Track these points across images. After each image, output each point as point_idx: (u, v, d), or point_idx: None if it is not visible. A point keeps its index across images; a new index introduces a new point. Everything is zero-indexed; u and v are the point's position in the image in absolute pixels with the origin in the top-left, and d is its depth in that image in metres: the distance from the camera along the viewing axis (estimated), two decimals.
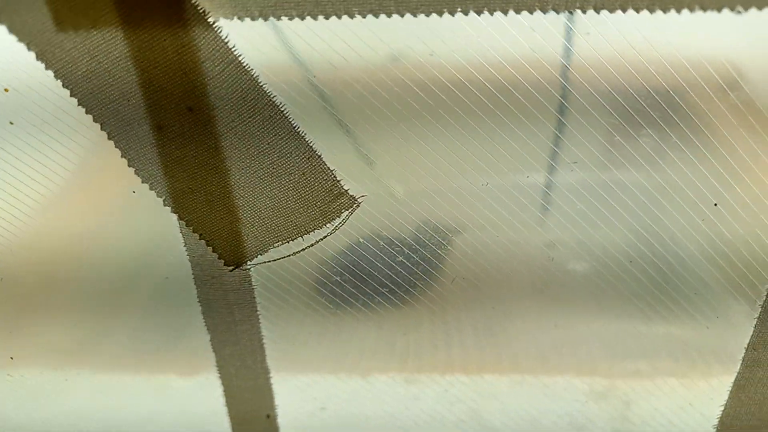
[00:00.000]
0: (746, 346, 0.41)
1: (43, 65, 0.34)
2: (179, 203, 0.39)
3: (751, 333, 0.41)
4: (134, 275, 0.45)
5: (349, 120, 0.39)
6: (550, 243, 0.60)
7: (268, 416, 0.48)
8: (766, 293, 0.39)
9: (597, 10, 0.33)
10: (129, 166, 0.38)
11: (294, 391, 0.48)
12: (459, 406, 0.53)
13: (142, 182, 0.38)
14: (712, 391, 0.45)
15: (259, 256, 0.41)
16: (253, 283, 0.42)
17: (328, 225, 0.39)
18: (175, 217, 0.39)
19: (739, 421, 0.44)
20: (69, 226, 0.44)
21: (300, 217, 0.39)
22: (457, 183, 0.44)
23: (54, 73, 0.34)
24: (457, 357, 0.54)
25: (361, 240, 0.44)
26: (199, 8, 0.32)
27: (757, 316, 0.40)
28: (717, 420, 0.45)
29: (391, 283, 0.47)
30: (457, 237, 0.53)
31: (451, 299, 0.60)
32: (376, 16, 0.32)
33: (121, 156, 0.37)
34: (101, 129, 0.37)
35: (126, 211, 0.43)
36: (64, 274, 0.45)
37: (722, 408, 0.44)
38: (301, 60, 0.37)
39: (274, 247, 0.40)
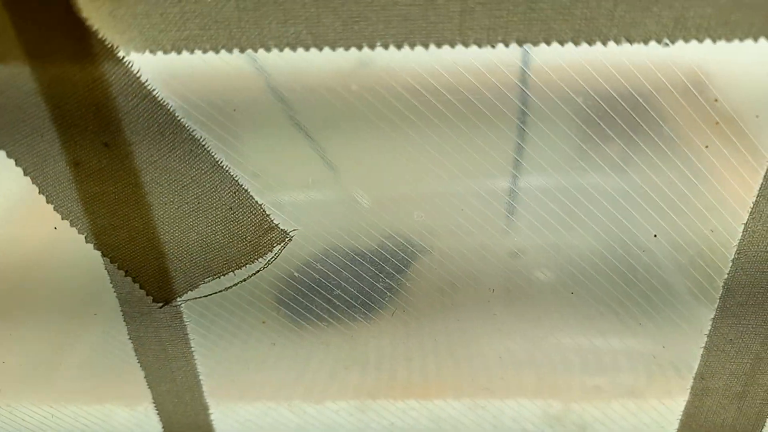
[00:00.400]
0: (694, 375, 0.40)
1: None
2: (102, 240, 0.37)
3: (698, 362, 0.40)
4: (70, 310, 0.43)
5: (314, 127, 0.38)
6: (514, 252, 0.58)
7: None
8: (711, 322, 0.38)
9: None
10: (48, 202, 0.36)
11: (236, 424, 0.46)
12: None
13: (62, 219, 0.36)
14: (668, 413, 0.43)
15: (189, 292, 0.39)
16: (185, 320, 0.40)
17: (260, 259, 0.38)
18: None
19: None
20: None
21: (230, 252, 0.37)
22: (424, 190, 0.43)
23: None
24: (414, 380, 0.53)
25: (316, 254, 0.42)
26: (106, 43, 0.31)
27: (703, 345, 0.39)
28: None
29: (342, 300, 0.45)
30: (421, 250, 0.51)
31: (411, 315, 0.58)
32: (293, 49, 0.30)
33: (39, 192, 0.35)
34: (16, 165, 0.35)
35: (52, 247, 0.41)
36: None
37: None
38: (261, 67, 0.35)
39: (204, 283, 0.39)
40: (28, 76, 0.32)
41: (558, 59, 0.38)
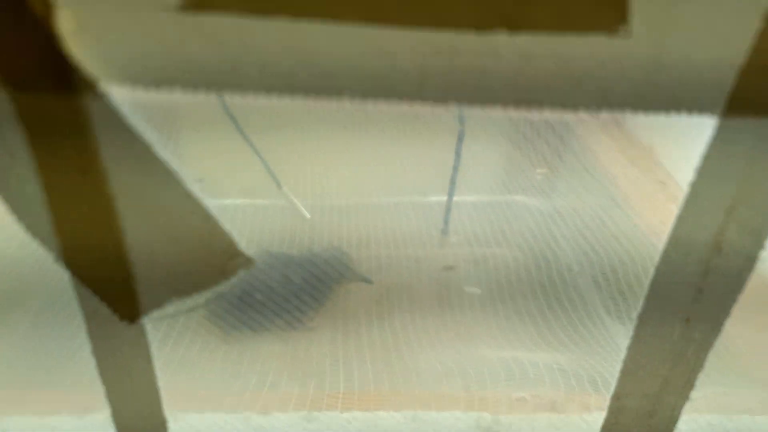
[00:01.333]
0: (611, 395, 0.45)
1: None
2: (72, 260, 0.38)
3: (615, 383, 0.44)
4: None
5: (256, 132, 0.40)
6: (449, 266, 0.62)
7: None
8: (626, 350, 0.42)
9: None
10: (19, 222, 0.36)
11: None
12: None
13: (33, 238, 0.37)
14: (589, 428, 0.48)
15: (154, 310, 0.40)
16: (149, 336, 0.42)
17: (223, 282, 0.40)
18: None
19: None
20: None
21: (197, 276, 0.39)
22: (360, 200, 0.45)
23: None
24: (356, 390, 0.55)
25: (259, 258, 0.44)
26: (87, 76, 0.32)
27: (620, 368, 0.44)
28: None
29: (289, 303, 0.47)
30: (357, 255, 0.54)
31: (351, 320, 0.61)
32: (269, 97, 0.33)
33: (10, 213, 0.36)
34: None
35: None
36: None
37: None
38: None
39: (170, 303, 0.40)
40: (5, 100, 0.33)
41: None
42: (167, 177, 0.36)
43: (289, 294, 0.49)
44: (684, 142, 0.46)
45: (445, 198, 0.70)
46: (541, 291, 0.67)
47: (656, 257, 0.46)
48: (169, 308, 0.41)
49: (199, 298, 0.40)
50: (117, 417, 0.45)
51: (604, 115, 0.52)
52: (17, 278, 0.48)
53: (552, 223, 0.76)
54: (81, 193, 0.36)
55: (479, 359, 0.60)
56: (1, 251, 0.44)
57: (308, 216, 0.43)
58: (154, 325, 0.42)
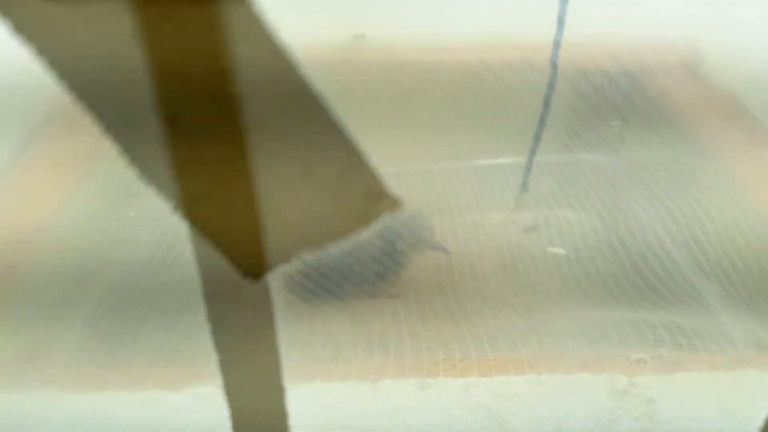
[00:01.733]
0: None
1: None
2: (191, 210, 0.32)
3: None
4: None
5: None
6: (529, 227, 0.56)
7: None
8: None
9: None
10: (130, 165, 0.31)
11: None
12: (478, 410, 0.49)
13: (148, 185, 0.31)
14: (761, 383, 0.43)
15: (281, 265, 0.35)
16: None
17: (364, 230, 0.34)
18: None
19: None
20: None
21: (334, 223, 0.34)
22: (428, 166, 0.40)
23: (34, 46, 0.27)
24: (469, 357, 0.50)
25: None
26: None
27: None
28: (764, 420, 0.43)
29: (368, 271, 0.42)
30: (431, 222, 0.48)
31: (434, 287, 0.55)
32: None
33: (122, 154, 0.31)
34: (94, 120, 0.30)
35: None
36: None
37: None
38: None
39: (300, 256, 0.35)
40: (124, 12, 0.27)
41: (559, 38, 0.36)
42: (309, 102, 0.30)
43: (368, 261, 0.43)
44: None
45: (520, 158, 0.64)
46: (624, 252, 0.60)
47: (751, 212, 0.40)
48: (297, 263, 0.36)
49: (330, 252, 0.34)
50: (231, 388, 0.40)
51: (677, 61, 0.45)
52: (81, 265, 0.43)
53: (628, 181, 0.69)
54: (208, 127, 0.30)
55: (588, 322, 0.54)
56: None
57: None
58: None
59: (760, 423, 0.43)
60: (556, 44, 0.36)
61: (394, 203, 0.34)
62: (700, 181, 0.61)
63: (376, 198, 0.33)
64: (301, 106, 0.30)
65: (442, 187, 0.68)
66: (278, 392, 0.40)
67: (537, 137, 0.54)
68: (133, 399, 0.44)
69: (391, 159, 0.39)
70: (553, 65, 0.42)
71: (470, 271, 0.62)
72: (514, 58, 0.35)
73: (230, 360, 0.38)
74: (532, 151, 0.53)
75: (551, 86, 0.43)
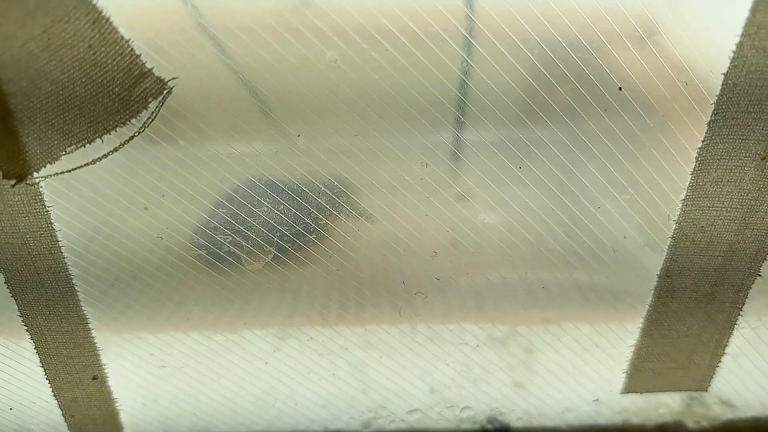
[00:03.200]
0: (658, 273, 0.34)
1: None
2: None
3: (663, 258, 0.33)
4: None
5: (250, 69, 0.30)
6: (460, 195, 0.50)
7: (94, 378, 0.38)
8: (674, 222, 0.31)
9: None
10: None
11: (125, 348, 0.38)
12: (335, 358, 0.44)
13: None
14: (621, 331, 0.37)
15: (47, 165, 0.30)
16: (49, 207, 0.32)
17: (132, 120, 0.30)
18: None
19: (651, 363, 0.37)
20: None
21: (94, 111, 0.29)
22: (362, 141, 0.35)
23: None
24: (336, 310, 0.45)
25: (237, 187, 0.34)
26: None
27: (670, 236, 0.32)
28: (627, 363, 0.37)
29: (280, 235, 0.37)
30: (359, 194, 0.43)
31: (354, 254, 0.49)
32: None
33: None
34: None
35: None
36: None
37: (632, 349, 0.37)
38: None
39: (66, 153, 0.30)
40: None
41: (504, 5, 0.31)
42: None
43: (280, 225, 0.38)
44: None
45: (453, 134, 0.56)
46: (564, 222, 0.53)
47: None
48: (66, 162, 0.31)
49: (105, 149, 0.30)
50: (26, 314, 0.35)
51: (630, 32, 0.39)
52: None
53: (575, 151, 0.61)
54: None
55: (495, 283, 0.48)
56: None
57: (300, 144, 0.34)
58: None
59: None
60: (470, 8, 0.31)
61: (160, 84, 0.29)
62: (647, 150, 0.54)
63: (136, 78, 0.29)
64: None
65: (373, 163, 0.61)
66: (81, 323, 0.36)
67: (459, 111, 0.48)
68: None
69: (322, 135, 0.35)
70: (470, 31, 0.37)
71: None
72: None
73: (17, 280, 0.34)
74: (459, 127, 0.47)
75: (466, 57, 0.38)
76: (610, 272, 0.39)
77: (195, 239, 0.36)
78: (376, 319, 0.44)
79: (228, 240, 0.36)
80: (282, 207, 0.36)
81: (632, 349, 0.36)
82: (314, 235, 0.39)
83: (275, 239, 0.37)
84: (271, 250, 0.36)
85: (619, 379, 0.38)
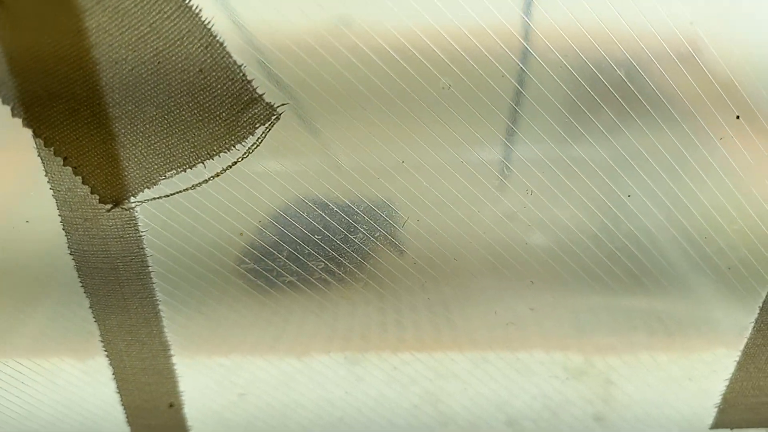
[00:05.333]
0: (760, 306, 0.32)
1: None
2: (33, 113, 0.27)
3: (766, 294, 0.32)
4: None
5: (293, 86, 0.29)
6: (511, 213, 0.49)
7: (171, 405, 0.37)
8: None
9: None
10: None
11: (204, 374, 0.37)
12: (412, 387, 0.42)
13: None
14: (716, 363, 0.35)
15: (146, 190, 0.29)
16: (143, 232, 0.31)
17: (237, 146, 0.29)
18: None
19: (745, 398, 0.35)
20: None
21: (198, 135, 0.28)
22: (408, 159, 0.34)
23: None
24: (409, 336, 0.44)
25: (301, 204, 0.33)
26: None
27: None
28: (720, 396, 0.36)
29: (329, 255, 0.36)
30: (410, 215, 0.42)
31: (404, 277, 0.48)
32: None
33: None
34: None
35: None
36: None
37: (726, 382, 0.35)
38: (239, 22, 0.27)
39: (165, 178, 0.29)
40: None
41: (554, 21, 0.31)
42: None
43: (324, 245, 0.37)
44: None
45: (500, 152, 0.55)
46: (611, 240, 0.51)
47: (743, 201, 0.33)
48: (163, 187, 0.30)
49: (202, 176, 0.29)
50: (106, 339, 0.34)
51: (681, 47, 0.38)
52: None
53: (622, 170, 0.59)
54: (40, 10, 0.25)
55: (558, 310, 0.47)
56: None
57: (346, 167, 0.33)
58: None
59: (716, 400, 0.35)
60: (526, 28, 0.30)
61: (269, 111, 0.28)
62: (693, 169, 0.52)
63: (245, 104, 0.28)
64: None
65: (418, 180, 0.60)
66: (162, 349, 0.35)
67: (510, 129, 0.47)
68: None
69: (370, 151, 0.34)
70: (521, 49, 0.37)
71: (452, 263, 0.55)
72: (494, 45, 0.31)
73: (101, 305, 0.33)
74: (506, 146, 0.46)
75: (522, 74, 0.38)
76: (710, 303, 0.37)
77: (287, 266, 0.35)
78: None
79: (321, 267, 0.34)
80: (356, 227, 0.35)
81: (726, 383, 0.35)
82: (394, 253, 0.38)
83: (359, 260, 0.35)
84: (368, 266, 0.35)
85: (710, 414, 0.37)
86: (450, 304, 0.48)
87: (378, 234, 0.37)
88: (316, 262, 0.34)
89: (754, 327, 0.32)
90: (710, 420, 0.37)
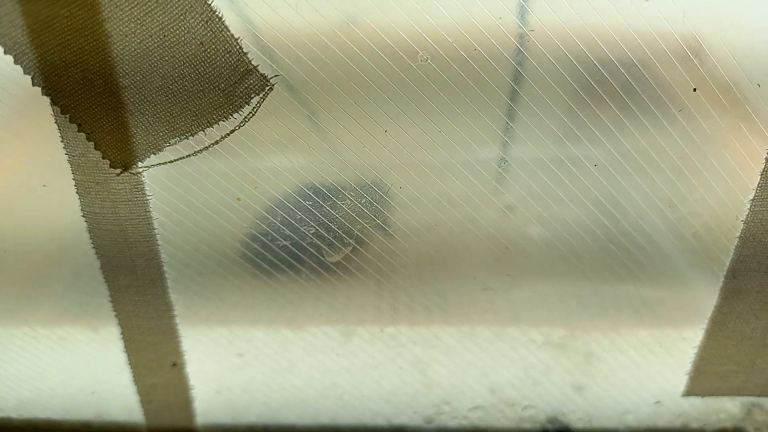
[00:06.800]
0: (724, 273, 0.33)
1: None
2: (51, 81, 0.29)
3: (730, 259, 0.33)
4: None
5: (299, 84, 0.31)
6: (511, 205, 0.50)
7: (174, 364, 0.39)
8: (748, 207, 0.31)
9: None
10: None
11: (206, 335, 0.39)
12: (400, 353, 0.44)
13: (5, 52, 0.29)
14: (686, 332, 0.36)
15: (152, 155, 0.32)
16: (148, 193, 0.33)
17: (234, 114, 0.31)
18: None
19: (713, 366, 0.36)
20: None
21: (199, 104, 0.30)
22: (410, 157, 0.36)
23: None
24: (401, 312, 0.45)
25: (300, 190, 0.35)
26: None
27: (737, 236, 0.32)
28: (690, 365, 0.37)
29: (330, 235, 0.38)
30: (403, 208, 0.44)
31: (399, 259, 0.50)
32: None
33: None
34: None
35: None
36: None
37: (695, 350, 0.36)
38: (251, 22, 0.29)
39: (169, 144, 0.31)
40: None
41: (555, 21, 0.32)
42: None
43: (320, 228, 0.39)
44: None
45: (499, 152, 0.57)
46: (610, 234, 0.53)
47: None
48: (168, 153, 0.32)
49: (204, 142, 0.31)
50: (116, 299, 0.36)
51: (683, 49, 0.40)
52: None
53: (621, 170, 0.61)
54: None
55: (547, 293, 0.48)
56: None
57: (349, 157, 0.35)
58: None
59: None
60: (523, 27, 0.32)
61: (263, 81, 0.30)
62: (695, 168, 0.53)
63: (241, 75, 0.30)
64: None
65: (420, 179, 0.62)
66: (166, 310, 0.37)
67: (508, 127, 0.49)
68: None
69: (378, 149, 0.36)
70: (521, 49, 0.38)
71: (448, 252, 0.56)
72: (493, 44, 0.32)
73: (111, 266, 0.35)
74: (505, 145, 0.48)
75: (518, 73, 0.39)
76: (676, 272, 0.38)
77: (281, 230, 0.36)
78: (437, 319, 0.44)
79: (311, 232, 0.36)
80: (361, 202, 0.37)
81: (695, 350, 0.36)
82: (383, 231, 0.39)
83: (356, 232, 0.37)
84: (351, 243, 0.37)
85: (681, 382, 0.38)
86: (443, 281, 0.49)
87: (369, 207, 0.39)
88: (308, 227, 0.36)
89: (719, 295, 0.33)
90: (682, 388, 0.38)
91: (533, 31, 0.32)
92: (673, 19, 0.33)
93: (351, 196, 0.36)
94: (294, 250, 0.37)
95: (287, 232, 0.36)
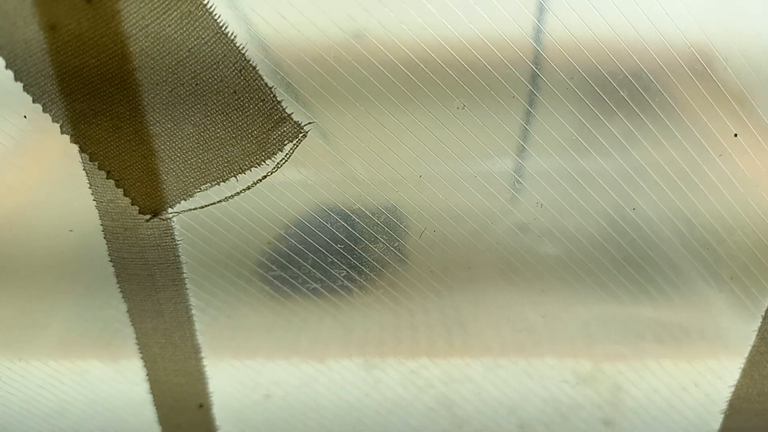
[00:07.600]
0: (762, 314, 0.32)
1: None
2: (80, 129, 0.28)
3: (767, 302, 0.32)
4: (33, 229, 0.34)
5: (310, 97, 0.30)
6: (523, 225, 0.49)
7: (200, 406, 0.38)
8: None
9: None
10: (16, 80, 0.28)
11: (232, 375, 0.38)
12: (428, 391, 0.43)
13: (33, 101, 0.28)
14: (721, 370, 0.35)
15: (182, 201, 0.31)
16: (178, 241, 0.32)
17: (267, 161, 0.30)
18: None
19: (750, 404, 0.35)
20: None
21: (232, 151, 0.29)
22: (420, 169, 0.35)
23: None
24: (423, 341, 0.44)
25: (321, 212, 0.34)
26: None
27: None
28: (725, 403, 0.36)
29: (350, 263, 0.37)
30: (422, 224, 0.43)
31: (417, 285, 0.49)
32: None
33: (6, 67, 0.27)
34: None
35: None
36: None
37: (732, 389, 0.35)
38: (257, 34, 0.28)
39: (200, 191, 0.30)
40: None
41: (567, 33, 0.31)
42: (194, 7, 0.26)
43: (346, 253, 0.38)
44: None
45: (512, 163, 0.56)
46: (622, 250, 0.52)
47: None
48: (199, 199, 0.31)
49: (234, 188, 0.30)
50: (142, 342, 0.35)
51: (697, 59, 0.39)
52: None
53: (633, 183, 0.60)
54: (88, 34, 0.27)
55: (570, 319, 0.47)
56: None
57: (362, 177, 0.34)
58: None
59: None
60: (539, 40, 0.31)
61: (297, 129, 0.29)
62: (708, 180, 0.52)
63: (275, 123, 0.29)
64: (184, 12, 0.26)
65: (433, 191, 0.61)
66: (193, 352, 0.36)
67: (523, 140, 0.48)
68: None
69: (385, 162, 0.35)
70: (534, 61, 0.38)
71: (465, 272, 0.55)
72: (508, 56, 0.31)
73: (138, 309, 0.34)
74: (518, 156, 0.47)
75: (534, 85, 0.39)
76: (714, 312, 0.37)
77: (311, 273, 0.35)
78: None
79: (343, 275, 0.35)
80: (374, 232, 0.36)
81: (731, 389, 0.35)
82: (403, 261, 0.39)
83: (375, 265, 0.36)
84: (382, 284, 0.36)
85: (716, 420, 0.37)
86: (464, 310, 0.48)
87: (396, 244, 0.38)
88: (339, 270, 0.35)
89: (757, 335, 0.33)
90: (717, 425, 0.37)
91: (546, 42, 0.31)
92: (688, 30, 0.32)
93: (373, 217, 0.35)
94: (322, 290, 0.36)
95: (318, 275, 0.35)
